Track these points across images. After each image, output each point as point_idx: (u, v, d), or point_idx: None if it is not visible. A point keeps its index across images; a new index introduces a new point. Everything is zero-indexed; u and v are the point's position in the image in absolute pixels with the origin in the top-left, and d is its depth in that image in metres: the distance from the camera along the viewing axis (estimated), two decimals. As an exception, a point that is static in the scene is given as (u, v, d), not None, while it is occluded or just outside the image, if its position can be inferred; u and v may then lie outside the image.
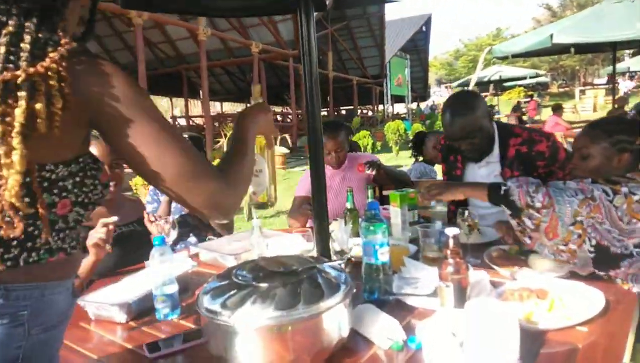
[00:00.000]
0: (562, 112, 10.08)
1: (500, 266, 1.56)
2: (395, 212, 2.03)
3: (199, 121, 17.74)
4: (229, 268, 1.19)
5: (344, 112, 25.56)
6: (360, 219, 2.12)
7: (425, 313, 1.27)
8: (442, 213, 1.88)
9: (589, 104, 21.47)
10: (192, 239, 2.60)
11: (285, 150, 11.23)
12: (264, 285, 1.03)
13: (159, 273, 1.36)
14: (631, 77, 20.70)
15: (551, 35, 6.26)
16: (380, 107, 26.85)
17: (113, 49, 17.98)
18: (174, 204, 2.57)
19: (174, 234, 1.84)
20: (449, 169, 2.25)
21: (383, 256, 1.35)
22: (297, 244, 1.55)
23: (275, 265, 1.14)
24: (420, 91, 32.77)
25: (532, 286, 1.35)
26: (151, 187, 2.58)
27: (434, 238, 1.70)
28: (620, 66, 18.87)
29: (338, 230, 1.53)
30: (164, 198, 2.45)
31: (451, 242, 1.18)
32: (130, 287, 1.50)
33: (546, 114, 18.49)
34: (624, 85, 21.08)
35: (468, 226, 1.67)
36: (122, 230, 1.99)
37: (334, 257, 1.54)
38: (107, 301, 1.38)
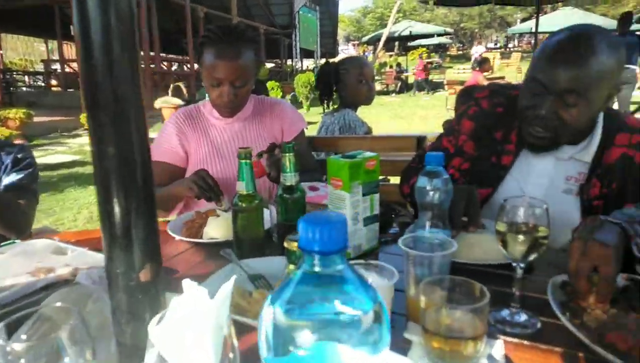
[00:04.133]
0: (487, 67, 9.37)
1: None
2: (338, 198, 1.06)
3: (77, 66, 15.12)
4: None
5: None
6: (273, 221, 1.13)
7: None
8: (433, 203, 0.95)
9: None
10: None
11: (179, 102, 8.89)
12: None
13: None
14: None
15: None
16: (289, 62, 25.45)
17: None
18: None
19: None
20: (484, 153, 1.34)
21: None
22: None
23: None
24: (329, 47, 31.69)
25: None
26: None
27: (440, 276, 0.76)
28: (511, 29, 19.61)
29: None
30: None
31: None
32: None
33: (449, 75, 18.59)
34: (475, 50, 21.57)
35: None
36: None
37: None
38: None
